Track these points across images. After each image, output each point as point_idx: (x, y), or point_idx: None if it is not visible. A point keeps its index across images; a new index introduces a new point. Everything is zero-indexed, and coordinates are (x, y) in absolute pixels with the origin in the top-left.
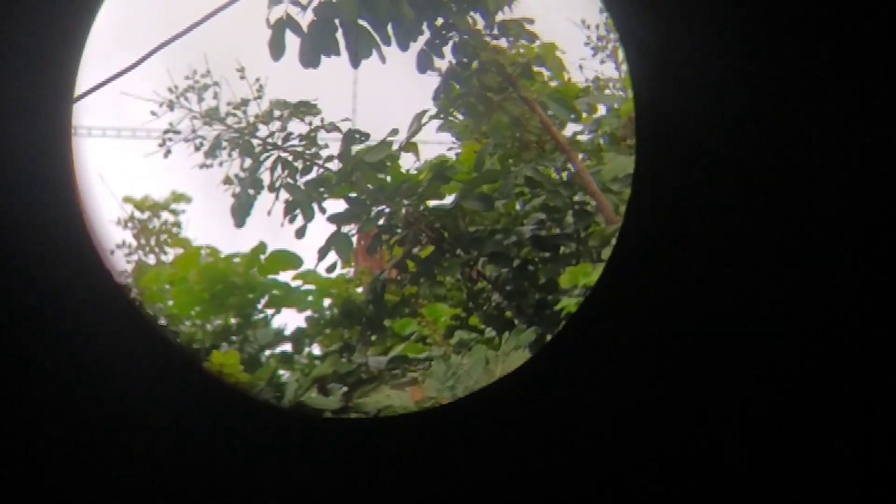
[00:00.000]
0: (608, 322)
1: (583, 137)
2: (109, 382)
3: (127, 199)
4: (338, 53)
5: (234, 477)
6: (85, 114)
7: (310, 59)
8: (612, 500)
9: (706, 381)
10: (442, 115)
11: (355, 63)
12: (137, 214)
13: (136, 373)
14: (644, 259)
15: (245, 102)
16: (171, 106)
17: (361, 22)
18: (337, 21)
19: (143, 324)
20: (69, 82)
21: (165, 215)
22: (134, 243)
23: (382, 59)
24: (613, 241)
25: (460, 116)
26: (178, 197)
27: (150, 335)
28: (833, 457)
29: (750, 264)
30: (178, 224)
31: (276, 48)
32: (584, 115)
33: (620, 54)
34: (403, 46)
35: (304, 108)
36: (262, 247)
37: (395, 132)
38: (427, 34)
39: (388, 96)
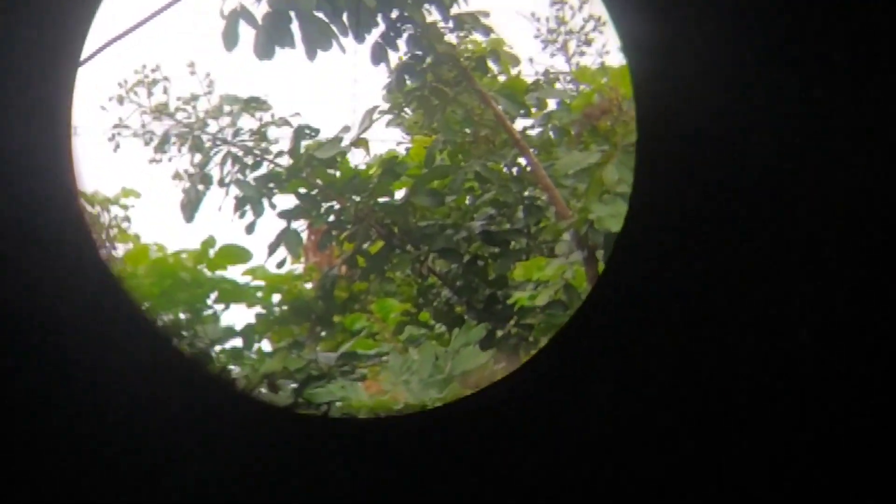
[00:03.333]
0: (606, 322)
1: (532, 132)
2: (102, 373)
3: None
4: (293, 46)
5: (225, 472)
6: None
7: (264, 50)
8: (614, 500)
9: (706, 380)
10: (393, 111)
11: (311, 55)
12: (88, 209)
13: (129, 365)
14: (643, 259)
15: (195, 97)
16: (120, 101)
17: (317, 13)
18: (292, 13)
19: (138, 317)
20: (71, 64)
21: (115, 210)
22: None
23: (342, 49)
24: (565, 236)
25: (409, 112)
26: (128, 192)
27: (144, 328)
28: (833, 456)
29: (751, 263)
30: (127, 219)
31: (230, 39)
32: (534, 110)
33: (571, 48)
34: (359, 38)
35: (255, 104)
36: (210, 241)
37: (346, 129)
38: (382, 26)
39: (347, 89)
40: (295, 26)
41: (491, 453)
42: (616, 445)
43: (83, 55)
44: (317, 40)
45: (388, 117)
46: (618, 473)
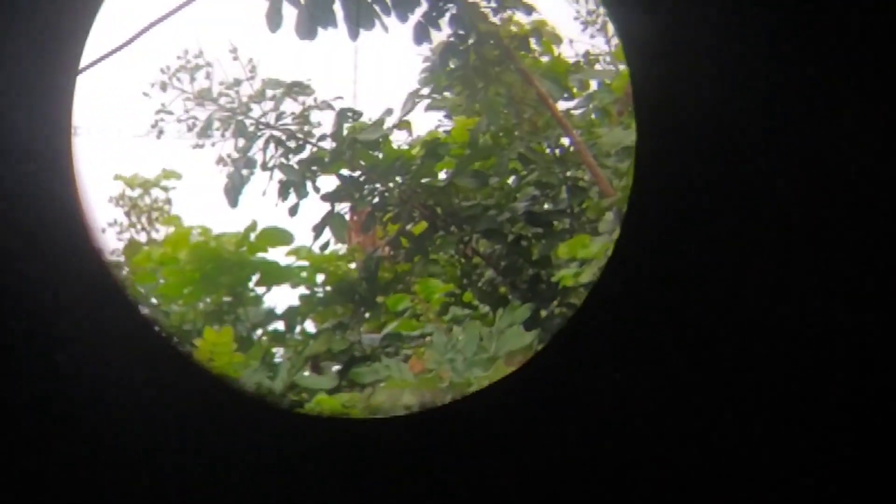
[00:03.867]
0: (610, 319)
1: (574, 113)
2: (100, 372)
3: (118, 177)
4: (335, 25)
5: (220, 469)
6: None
7: (307, 31)
8: (614, 499)
9: (709, 377)
10: (434, 94)
11: (354, 35)
12: (128, 192)
13: (120, 358)
14: (646, 254)
15: (238, 82)
16: (163, 87)
17: None
18: None
19: (137, 317)
20: (73, 63)
21: (156, 192)
22: (125, 221)
23: (385, 28)
24: (608, 215)
25: (448, 94)
26: (169, 174)
27: (144, 329)
28: (834, 456)
29: (753, 257)
30: (168, 201)
31: (273, 20)
32: (577, 90)
33: (610, 29)
34: (402, 17)
35: (298, 88)
36: (253, 225)
37: (389, 112)
38: (424, 6)
39: (389, 70)
40: (337, 6)
41: (490, 454)
42: (616, 445)
43: (83, 55)
44: (359, 20)
45: (428, 101)
46: (618, 473)
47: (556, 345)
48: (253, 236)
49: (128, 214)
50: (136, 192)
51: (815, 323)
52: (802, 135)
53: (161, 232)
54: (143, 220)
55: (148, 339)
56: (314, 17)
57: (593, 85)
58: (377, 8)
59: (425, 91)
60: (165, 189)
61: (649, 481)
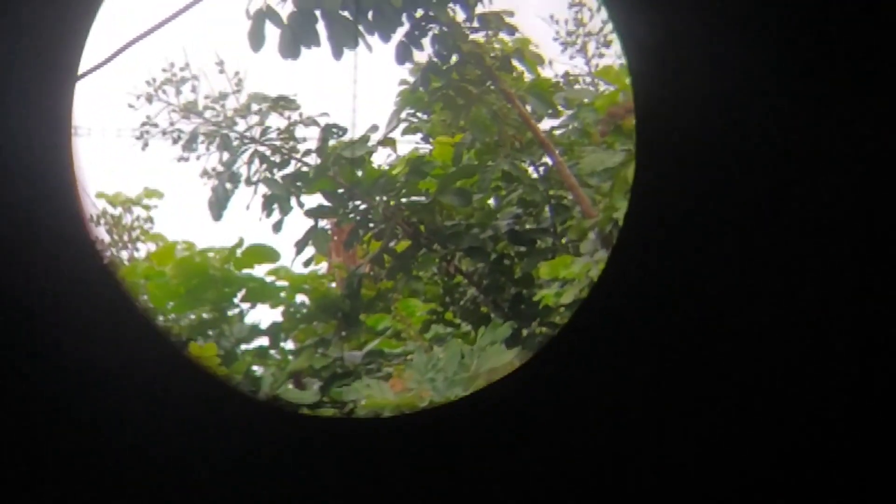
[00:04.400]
0: (607, 322)
1: (557, 132)
2: (100, 372)
3: (100, 195)
4: (318, 44)
5: (222, 471)
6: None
7: (289, 50)
8: (612, 499)
9: (706, 379)
10: (415, 116)
11: (338, 54)
12: (110, 210)
13: (128, 364)
14: (644, 258)
15: (223, 96)
16: (149, 99)
17: (342, 12)
18: (317, 12)
19: (136, 314)
20: (71, 72)
21: (138, 211)
22: (107, 239)
23: (369, 47)
24: (591, 235)
25: (423, 116)
26: (151, 193)
27: (144, 329)
28: (834, 456)
29: (751, 262)
30: (150, 219)
31: (256, 39)
32: (561, 108)
33: (590, 49)
34: (384, 37)
35: (283, 103)
36: (240, 243)
37: (374, 128)
38: (407, 26)
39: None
40: (320, 26)
41: (489, 454)
42: (615, 445)
43: (84, 55)
44: (342, 39)
45: (405, 124)
46: (617, 473)
47: (554, 345)
48: (239, 252)
49: (109, 233)
50: (118, 211)
51: (811, 342)
52: (803, 135)
53: (142, 251)
54: (125, 238)
55: (149, 339)
56: (297, 36)
57: (578, 102)
58: (361, 27)
59: (404, 114)
60: (147, 208)
61: (648, 480)
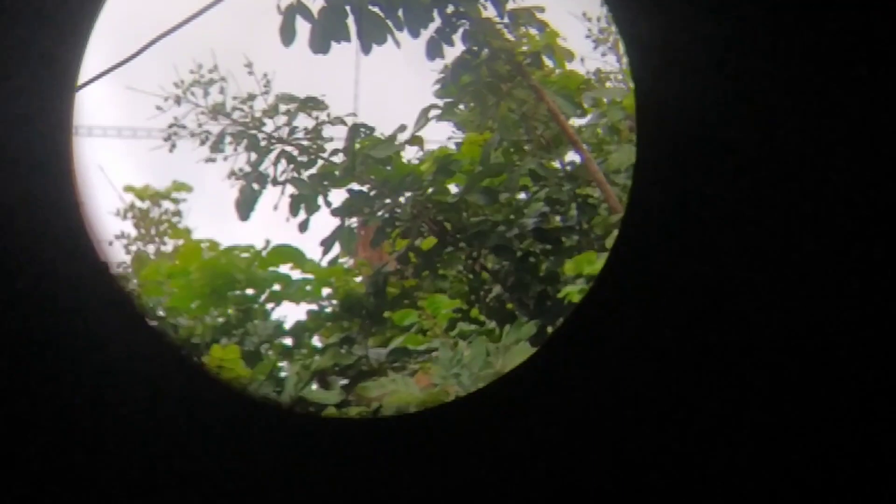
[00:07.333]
0: (608, 320)
1: (585, 129)
2: (102, 375)
3: (128, 189)
4: (348, 39)
5: (227, 475)
6: (88, 109)
7: (320, 45)
8: (614, 499)
9: (706, 380)
10: (449, 107)
11: (366, 49)
12: (138, 204)
13: (129, 366)
14: (645, 255)
15: (252, 97)
16: (177, 101)
17: (372, 8)
18: (347, 7)
19: (136, 317)
20: (72, 72)
21: (166, 205)
22: (134, 233)
23: (397, 44)
24: (616, 231)
25: (461, 108)
26: (179, 186)
27: (142, 328)
28: (834, 456)
29: (752, 258)
30: (178, 213)
31: (287, 34)
32: (588, 107)
33: (622, 46)
34: (414, 33)
35: (312, 104)
36: (267, 245)
37: (402, 128)
38: (437, 21)
39: (391, 85)
40: (350, 21)
41: (490, 454)
42: (618, 443)
43: (86, 46)
44: (372, 35)
45: (438, 112)
46: (617, 473)
47: (553, 346)
48: (264, 253)
49: (136, 226)
50: (146, 205)
51: (813, 342)
52: (804, 135)
53: (169, 245)
54: (153, 232)
55: (149, 341)
56: (327, 31)
57: (605, 102)
58: (390, 23)
59: (440, 103)
60: (175, 201)
61: (650, 479)
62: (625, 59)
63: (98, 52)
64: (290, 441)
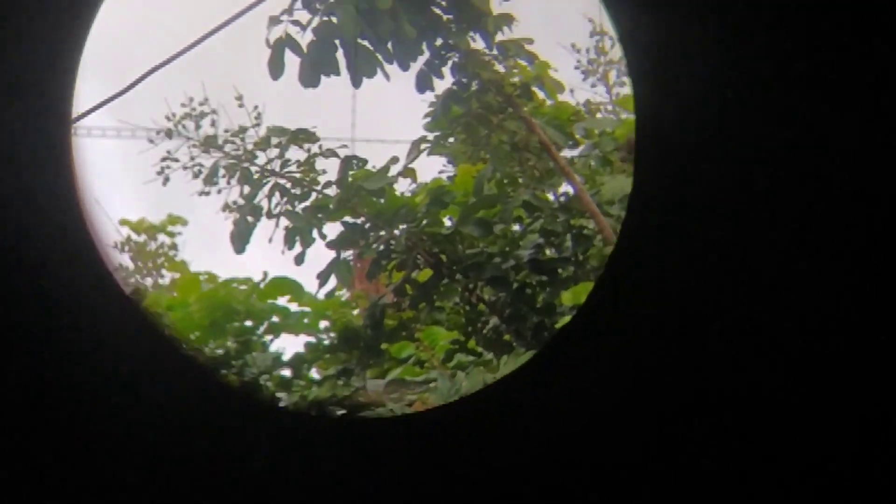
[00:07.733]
0: (604, 326)
1: (578, 161)
2: (101, 373)
3: (123, 222)
4: (338, 73)
5: (235, 475)
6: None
7: (310, 79)
8: (611, 499)
9: (706, 381)
10: (439, 140)
11: (356, 82)
12: (134, 237)
13: (129, 365)
14: (643, 261)
15: (243, 130)
16: (169, 135)
17: (362, 41)
18: (337, 41)
19: (139, 318)
20: (68, 93)
21: (162, 238)
22: (131, 266)
23: (387, 76)
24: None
25: (451, 140)
26: (175, 219)
27: (146, 329)
28: (833, 455)
29: (746, 274)
30: (174, 246)
31: (276, 68)
32: (580, 136)
33: (611, 78)
34: (404, 66)
35: (303, 136)
36: (265, 277)
37: (395, 160)
38: (427, 54)
39: (387, 115)
40: (339, 54)
41: (490, 454)
42: (614, 446)
43: (79, 65)
44: (362, 68)
45: (429, 145)
46: (617, 473)
47: (553, 346)
48: (262, 285)
49: (133, 259)
50: (142, 238)
51: (815, 324)
52: (804, 135)
53: (167, 277)
54: (149, 265)
55: (150, 339)
56: (317, 65)
57: (596, 133)
58: (379, 56)
59: (430, 137)
60: (171, 234)
61: (647, 481)
62: (615, 90)
63: (90, 86)
64: (290, 441)
